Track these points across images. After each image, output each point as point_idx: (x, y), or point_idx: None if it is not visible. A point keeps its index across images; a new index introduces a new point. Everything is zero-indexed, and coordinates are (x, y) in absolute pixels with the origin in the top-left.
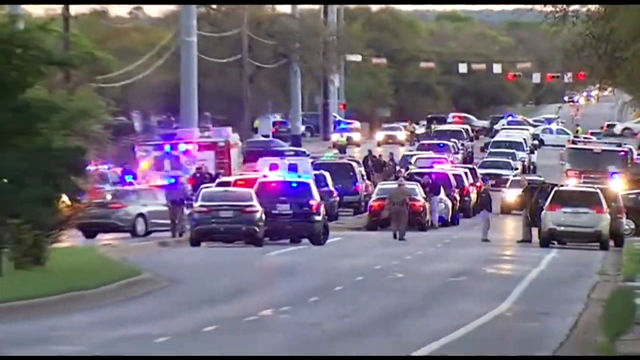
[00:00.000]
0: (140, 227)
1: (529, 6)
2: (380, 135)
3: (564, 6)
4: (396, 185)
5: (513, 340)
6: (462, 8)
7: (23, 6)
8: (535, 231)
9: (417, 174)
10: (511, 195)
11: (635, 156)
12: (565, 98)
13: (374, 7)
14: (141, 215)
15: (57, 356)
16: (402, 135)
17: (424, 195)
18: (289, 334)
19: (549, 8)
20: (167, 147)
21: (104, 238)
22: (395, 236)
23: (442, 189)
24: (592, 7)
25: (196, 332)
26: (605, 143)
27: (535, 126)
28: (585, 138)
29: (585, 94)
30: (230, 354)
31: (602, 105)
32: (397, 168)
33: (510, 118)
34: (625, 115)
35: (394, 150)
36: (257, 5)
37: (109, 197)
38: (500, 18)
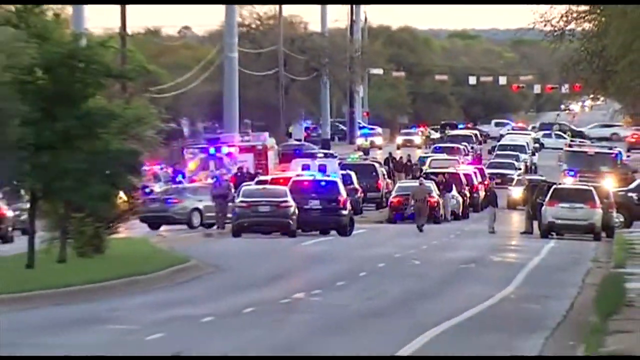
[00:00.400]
0: (196, 220)
1: (531, 25)
2: (399, 139)
3: (562, 25)
4: (417, 184)
5: (517, 319)
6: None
7: (85, 26)
8: (536, 224)
9: (432, 173)
10: (517, 192)
11: (624, 158)
12: (562, 107)
13: (394, 26)
14: (197, 209)
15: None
16: (418, 139)
17: (438, 192)
18: (319, 315)
19: (548, 27)
20: (211, 150)
21: (164, 229)
22: (420, 229)
23: (454, 187)
24: (587, 26)
25: (237, 313)
26: (598, 146)
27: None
28: (580, 142)
29: (580, 103)
30: (267, 333)
31: (595, 112)
32: (415, 169)
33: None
34: (616, 121)
35: (411, 153)
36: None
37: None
38: (505, 36)
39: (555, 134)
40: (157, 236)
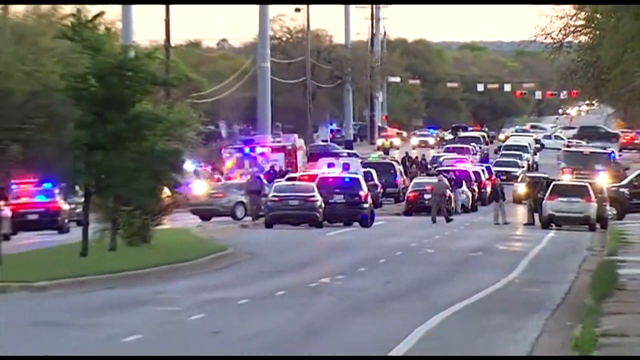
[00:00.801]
0: (240, 212)
1: (532, 38)
2: (415, 140)
3: (560, 38)
4: (436, 180)
5: (520, 302)
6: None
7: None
8: (537, 216)
9: (444, 170)
10: (521, 188)
11: (616, 156)
12: (560, 111)
13: (410, 39)
14: (240, 202)
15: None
16: (432, 140)
17: (450, 188)
18: (343, 297)
19: (548, 40)
20: (246, 150)
21: (209, 221)
22: (438, 220)
23: (464, 183)
24: (583, 38)
25: (270, 296)
26: (593, 146)
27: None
28: (577, 142)
29: (577, 108)
30: (296, 313)
31: (590, 116)
32: (428, 166)
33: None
34: (609, 124)
35: (425, 152)
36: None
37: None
38: (510, 48)
39: (555, 136)
40: (198, 227)
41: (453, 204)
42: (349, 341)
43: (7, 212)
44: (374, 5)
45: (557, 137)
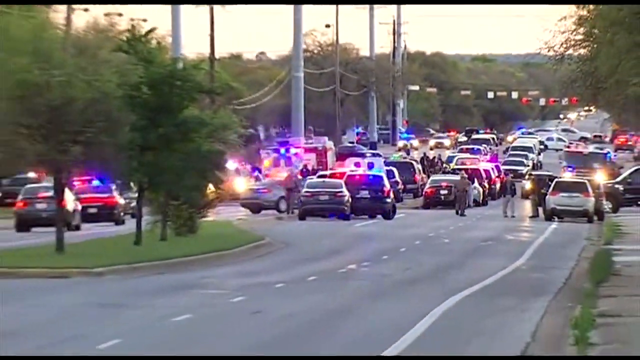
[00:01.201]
0: (283, 206)
1: (537, 51)
2: (432, 142)
3: (562, 51)
4: (453, 177)
5: (527, 285)
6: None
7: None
8: (541, 210)
9: (458, 169)
10: (527, 184)
11: (612, 156)
12: (561, 116)
13: (428, 52)
14: (283, 197)
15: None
16: (447, 142)
17: (470, 184)
18: (368, 281)
19: (551, 53)
20: (282, 151)
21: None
22: (457, 212)
23: (475, 180)
24: (582, 51)
25: (303, 280)
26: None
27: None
28: (577, 143)
29: (576, 113)
30: (327, 296)
31: (589, 120)
32: (444, 165)
33: (522, 130)
34: (605, 127)
35: (441, 153)
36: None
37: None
38: (517, 59)
39: (557, 138)
40: (238, 219)
41: (468, 199)
42: (374, 320)
43: (79, 206)
44: (396, 22)
45: (559, 139)
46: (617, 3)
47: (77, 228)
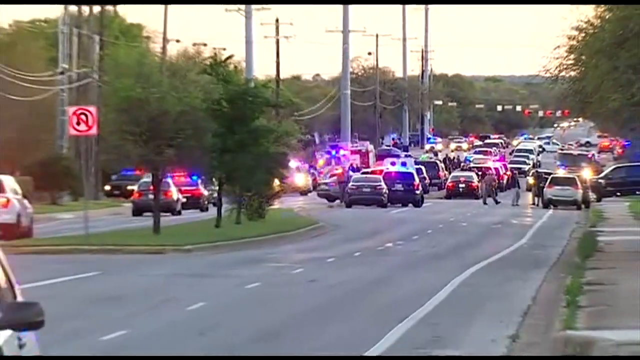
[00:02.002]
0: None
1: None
2: (452, 146)
3: (556, 73)
4: (468, 173)
5: (528, 260)
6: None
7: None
8: (539, 199)
9: (474, 167)
10: (530, 179)
11: (596, 157)
12: (555, 125)
13: (450, 74)
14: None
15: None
16: (465, 145)
17: (478, 179)
18: (401, 256)
19: (547, 74)
20: (333, 152)
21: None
22: (485, 202)
23: (488, 175)
24: (572, 73)
25: (349, 255)
26: (580, 149)
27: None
28: (569, 146)
29: (568, 123)
30: (368, 268)
31: (578, 129)
32: (463, 164)
33: (525, 136)
34: (590, 134)
35: (460, 154)
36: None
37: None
38: (520, 80)
39: (552, 142)
40: (298, 208)
41: (480, 191)
42: (406, 287)
43: (180, 196)
44: (424, 50)
45: (554, 143)
46: (620, 3)
47: (179, 213)
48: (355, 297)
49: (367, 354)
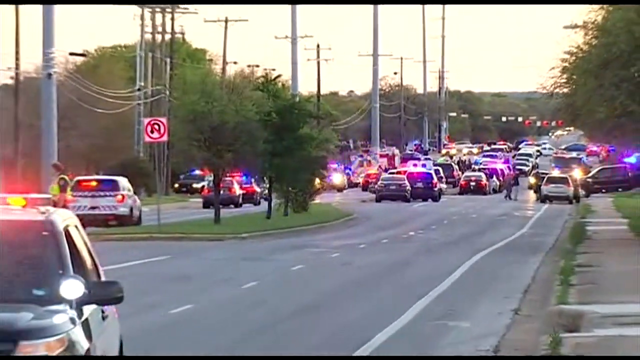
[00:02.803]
0: None
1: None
2: (465, 150)
3: (552, 90)
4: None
5: (528, 246)
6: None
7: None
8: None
9: (483, 168)
10: (531, 179)
11: (585, 160)
12: (550, 133)
13: (462, 90)
14: None
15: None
16: (475, 150)
17: (486, 178)
18: (421, 243)
19: (544, 90)
20: (365, 156)
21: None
22: (508, 197)
23: (494, 175)
24: (565, 90)
25: (378, 242)
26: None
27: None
28: (562, 151)
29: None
30: (394, 253)
31: (570, 136)
32: (473, 166)
33: (525, 143)
34: (580, 141)
35: (471, 158)
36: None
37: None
38: (522, 95)
39: (548, 147)
40: (336, 202)
41: (488, 188)
42: (426, 269)
43: (242, 192)
44: (441, 70)
45: (550, 148)
46: (623, 3)
47: (241, 206)
48: (383, 277)
49: (391, 325)
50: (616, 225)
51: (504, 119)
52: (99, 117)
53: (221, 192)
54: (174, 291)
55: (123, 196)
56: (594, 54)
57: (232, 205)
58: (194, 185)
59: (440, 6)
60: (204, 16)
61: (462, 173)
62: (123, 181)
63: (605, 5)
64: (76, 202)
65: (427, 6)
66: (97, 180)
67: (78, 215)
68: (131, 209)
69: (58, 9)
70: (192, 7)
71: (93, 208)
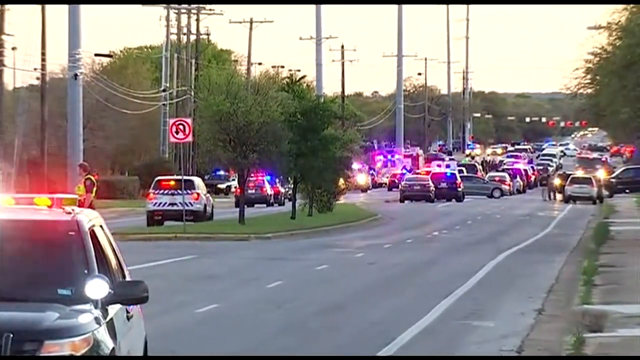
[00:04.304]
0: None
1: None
2: (489, 151)
3: (575, 90)
4: (502, 174)
5: (552, 246)
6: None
7: (323, 90)
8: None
9: (506, 169)
10: (556, 180)
11: (609, 160)
12: (573, 134)
13: (486, 91)
14: None
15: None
16: (499, 150)
17: (510, 178)
18: (446, 243)
19: (568, 92)
20: (389, 157)
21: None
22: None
23: (518, 176)
24: (589, 90)
25: (403, 242)
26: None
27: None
28: (586, 151)
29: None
30: (418, 253)
31: (594, 136)
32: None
33: (548, 143)
34: (604, 141)
35: (495, 158)
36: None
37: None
38: (545, 96)
39: (572, 148)
40: (360, 202)
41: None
42: (451, 268)
43: (272, 192)
44: (465, 71)
45: (574, 149)
46: (626, 3)
47: (272, 205)
48: (407, 276)
49: (416, 324)
50: (639, 226)
51: (527, 119)
52: (125, 118)
53: (253, 191)
54: (199, 290)
55: (198, 194)
56: (617, 55)
57: (264, 205)
58: (219, 186)
59: (464, 7)
60: (229, 17)
61: (486, 173)
62: (198, 181)
63: (629, 7)
64: (157, 199)
65: (451, 7)
66: (176, 180)
67: (158, 211)
68: (205, 206)
69: (84, 10)
70: (217, 9)
71: (172, 204)
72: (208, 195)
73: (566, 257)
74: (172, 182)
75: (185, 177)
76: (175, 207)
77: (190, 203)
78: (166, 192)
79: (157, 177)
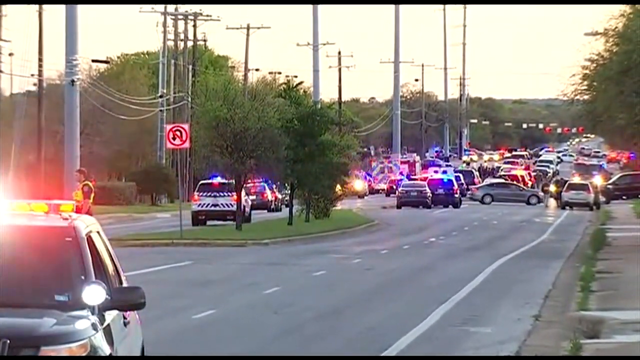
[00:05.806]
0: None
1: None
2: (486, 157)
3: (572, 96)
4: (498, 180)
5: (549, 251)
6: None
7: (320, 96)
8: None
9: (503, 175)
10: (552, 186)
11: (605, 167)
12: (570, 140)
13: (483, 97)
14: None
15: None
16: (496, 156)
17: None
18: (443, 249)
19: (565, 97)
20: (386, 163)
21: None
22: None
23: (515, 182)
24: (585, 97)
25: (400, 248)
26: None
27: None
28: (582, 157)
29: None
30: (415, 258)
31: (590, 142)
32: (494, 172)
33: (545, 149)
34: (601, 147)
35: (492, 164)
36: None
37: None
38: (542, 102)
39: (569, 155)
40: (357, 208)
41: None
42: (448, 274)
43: (273, 198)
44: (462, 77)
45: (570, 155)
46: (625, 3)
47: (273, 211)
48: (404, 282)
49: (413, 330)
50: (636, 232)
51: (524, 125)
52: (122, 123)
53: (254, 197)
54: (196, 296)
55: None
56: (614, 61)
57: (265, 210)
58: None
59: (461, 13)
60: (227, 23)
61: (483, 180)
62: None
63: (626, 13)
64: (201, 200)
65: (448, 14)
66: (219, 183)
67: (202, 212)
68: (243, 208)
69: (81, 16)
70: (214, 15)
71: (214, 205)
72: (246, 197)
73: (563, 263)
74: (215, 185)
75: (227, 181)
76: (217, 208)
77: (230, 204)
78: (209, 194)
79: (201, 181)
